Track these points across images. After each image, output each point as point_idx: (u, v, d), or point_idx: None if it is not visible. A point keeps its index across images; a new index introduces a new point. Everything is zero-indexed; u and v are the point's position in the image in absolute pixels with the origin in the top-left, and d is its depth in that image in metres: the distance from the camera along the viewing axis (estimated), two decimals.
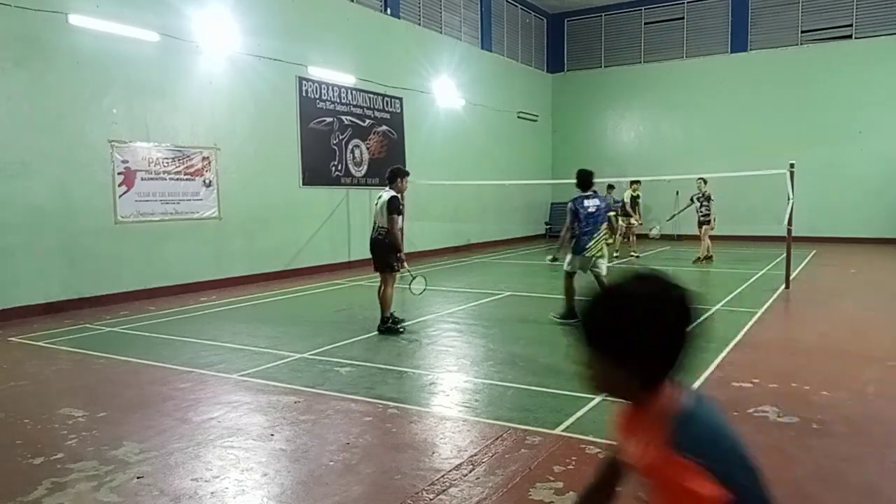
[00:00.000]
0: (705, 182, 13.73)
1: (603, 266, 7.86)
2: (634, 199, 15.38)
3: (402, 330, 7.34)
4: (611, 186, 16.81)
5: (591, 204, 7.67)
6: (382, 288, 7.37)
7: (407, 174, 7.70)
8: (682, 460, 1.26)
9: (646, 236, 18.35)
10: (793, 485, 3.45)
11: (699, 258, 13.75)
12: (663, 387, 1.37)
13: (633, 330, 1.33)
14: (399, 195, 7.42)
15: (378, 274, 7.49)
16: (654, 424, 1.34)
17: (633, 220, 15.37)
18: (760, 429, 4.24)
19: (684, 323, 1.37)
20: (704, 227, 13.73)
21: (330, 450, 4.02)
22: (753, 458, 1.34)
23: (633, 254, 15.21)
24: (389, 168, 7.83)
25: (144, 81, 10.01)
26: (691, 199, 14.08)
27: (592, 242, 7.70)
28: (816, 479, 3.54)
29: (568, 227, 7.84)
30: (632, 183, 15.34)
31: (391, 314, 7.40)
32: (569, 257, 7.92)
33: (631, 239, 15.57)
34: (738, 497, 1.26)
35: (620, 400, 1.43)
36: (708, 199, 13.70)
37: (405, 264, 7.52)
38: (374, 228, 7.51)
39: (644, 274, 1.38)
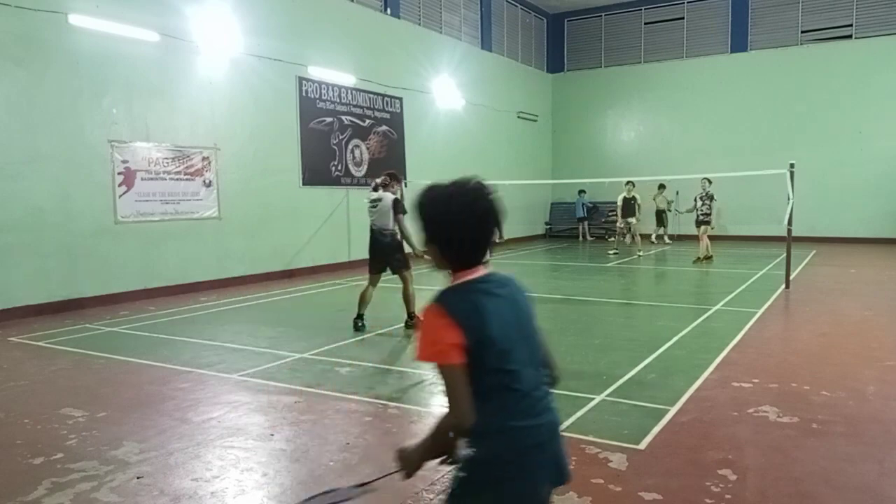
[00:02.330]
0: (710, 182, 13.79)
1: None
2: (627, 200, 15.40)
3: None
4: (661, 186, 17.28)
5: None
6: (404, 287, 7.48)
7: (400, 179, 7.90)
8: (435, 304, 1.71)
9: (650, 236, 18.53)
10: (793, 485, 3.45)
11: (699, 258, 13.77)
12: (465, 267, 1.77)
13: (431, 219, 1.77)
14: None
15: (370, 276, 7.61)
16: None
17: (630, 220, 15.44)
18: (760, 429, 4.24)
19: (472, 216, 1.73)
20: (704, 226, 13.75)
21: (330, 450, 4.02)
22: (527, 328, 1.84)
23: (638, 253, 15.26)
24: (387, 171, 7.88)
25: (144, 81, 10.01)
26: (695, 200, 14.08)
27: None
28: (816, 479, 3.54)
29: None
30: (626, 183, 15.41)
31: (361, 314, 7.53)
32: None
33: (635, 239, 15.64)
34: (477, 349, 1.66)
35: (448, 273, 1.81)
36: (711, 198, 13.75)
37: (427, 256, 7.54)
38: (377, 231, 7.49)
39: (457, 181, 1.76)
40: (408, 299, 7.51)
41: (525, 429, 1.75)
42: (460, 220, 1.72)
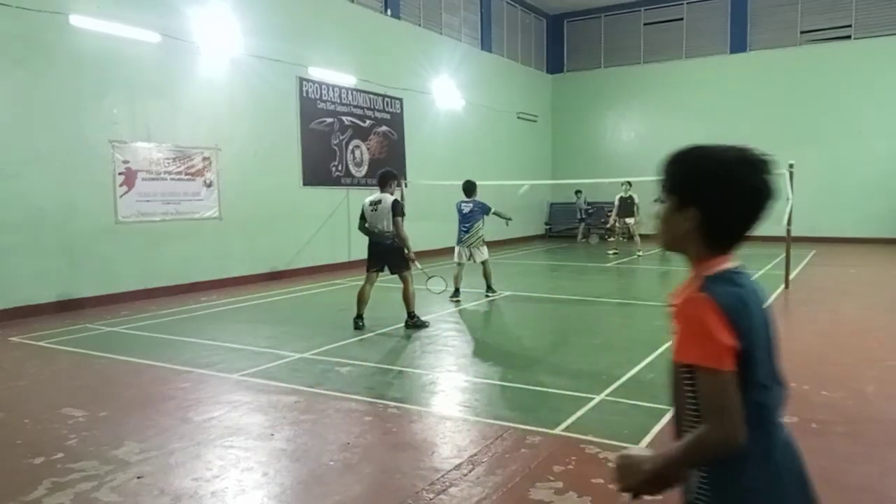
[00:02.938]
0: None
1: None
2: (624, 200, 15.48)
3: (428, 324, 7.60)
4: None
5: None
6: (404, 287, 7.56)
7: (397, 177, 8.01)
8: (706, 296, 1.39)
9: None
10: None
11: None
12: (721, 253, 1.48)
13: (705, 179, 1.43)
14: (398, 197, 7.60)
15: (367, 274, 7.71)
16: (696, 279, 1.46)
17: (628, 221, 15.54)
18: None
19: (758, 194, 1.43)
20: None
21: (330, 449, 4.02)
22: (774, 339, 1.49)
23: (638, 253, 15.34)
24: (381, 171, 7.90)
25: (145, 82, 10.02)
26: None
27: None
28: (816, 478, 3.51)
29: None
30: (623, 183, 15.51)
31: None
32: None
33: (635, 238, 15.77)
34: (746, 357, 1.38)
35: (683, 255, 1.53)
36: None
37: (417, 263, 7.72)
38: (378, 233, 7.52)
39: (739, 145, 1.47)
40: (408, 299, 7.55)
41: (789, 453, 1.47)
42: (745, 190, 1.42)
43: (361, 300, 7.60)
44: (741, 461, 1.39)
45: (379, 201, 7.52)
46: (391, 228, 7.41)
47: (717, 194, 1.42)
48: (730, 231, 1.47)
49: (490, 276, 9.81)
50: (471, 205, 9.63)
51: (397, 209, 7.41)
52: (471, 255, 9.52)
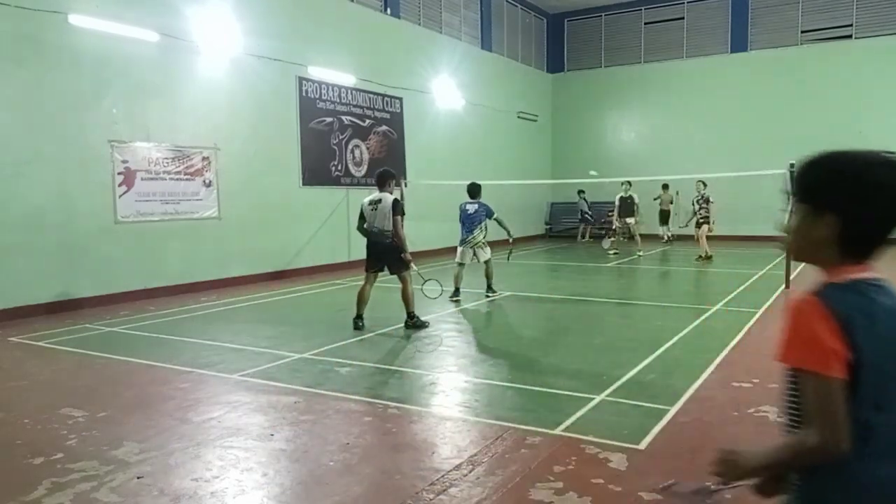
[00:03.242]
0: (704, 185, 14.21)
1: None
2: (624, 200, 15.49)
3: (428, 324, 7.63)
4: (665, 186, 18.01)
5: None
6: (403, 287, 7.55)
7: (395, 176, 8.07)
8: (817, 300, 1.33)
9: (660, 237, 18.74)
10: None
11: (700, 256, 14.10)
12: (856, 261, 1.40)
13: (850, 182, 1.36)
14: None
15: (366, 274, 7.71)
16: (819, 284, 1.40)
17: (629, 221, 15.54)
18: (761, 429, 4.24)
19: None
20: (704, 226, 14.10)
21: (330, 450, 4.01)
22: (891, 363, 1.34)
23: (638, 253, 15.33)
24: (379, 171, 7.91)
25: (144, 81, 10.01)
26: (693, 203, 14.62)
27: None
28: None
29: None
30: (622, 183, 15.56)
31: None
32: None
33: (635, 238, 15.79)
34: (858, 371, 1.30)
35: (816, 264, 1.46)
36: (707, 201, 14.17)
37: (414, 265, 7.70)
38: (377, 233, 7.49)
39: (874, 150, 1.42)
40: (407, 299, 7.55)
41: (889, 492, 1.37)
42: (887, 193, 1.35)
43: (361, 300, 7.60)
44: (831, 477, 1.35)
45: (379, 200, 7.50)
46: (390, 227, 7.40)
47: (858, 198, 1.35)
48: (870, 237, 1.39)
49: (491, 277, 9.83)
50: (475, 206, 9.76)
51: (397, 208, 7.41)
52: (475, 254, 9.68)
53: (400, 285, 7.58)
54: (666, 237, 18.83)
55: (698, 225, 14.27)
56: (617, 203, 15.65)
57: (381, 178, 7.70)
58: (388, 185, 7.64)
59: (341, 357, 6.29)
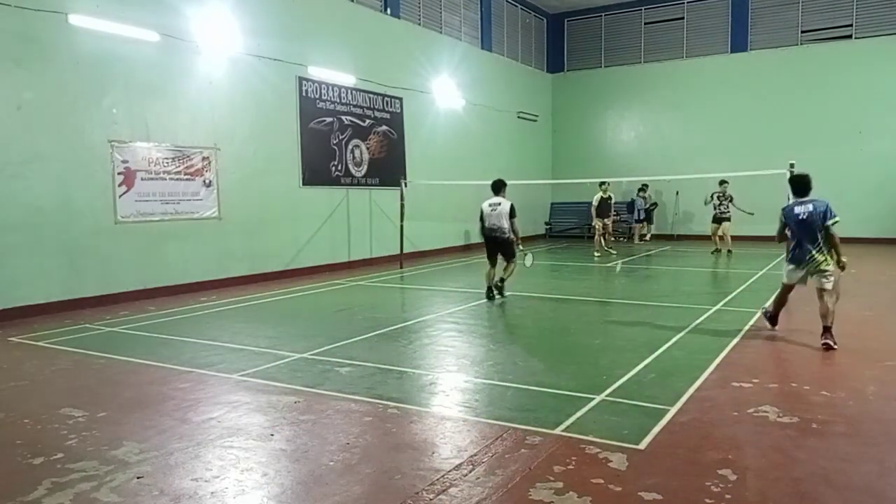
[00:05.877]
0: (727, 183, 14.98)
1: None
2: (604, 201, 15.59)
3: (505, 296, 9.49)
4: (645, 186, 18.91)
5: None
6: (508, 265, 9.57)
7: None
8: None
9: (644, 237, 19.10)
10: (793, 485, 3.45)
11: (720, 251, 15.00)
12: None
13: None
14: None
15: (488, 261, 9.74)
16: None
17: (607, 221, 15.96)
18: (760, 429, 4.24)
19: None
20: (726, 223, 14.91)
21: (330, 450, 4.02)
22: None
23: (610, 251, 15.90)
24: (495, 180, 9.69)
25: (144, 81, 10.01)
26: (713, 197, 15.15)
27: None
28: (816, 479, 3.54)
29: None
30: (601, 184, 15.75)
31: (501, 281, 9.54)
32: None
33: (606, 238, 16.29)
34: None
35: None
36: (730, 199, 14.98)
37: (521, 246, 9.78)
38: (496, 229, 9.34)
39: None
40: (508, 274, 9.52)
41: None
42: None
43: (490, 277, 9.49)
44: None
45: (498, 203, 9.36)
46: (506, 226, 9.30)
47: None
48: None
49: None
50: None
51: (513, 211, 9.34)
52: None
53: (506, 264, 9.53)
54: (646, 235, 19.72)
55: (717, 221, 14.92)
56: (596, 204, 15.69)
57: (496, 186, 9.56)
58: (502, 190, 9.49)
59: (341, 357, 6.29)
